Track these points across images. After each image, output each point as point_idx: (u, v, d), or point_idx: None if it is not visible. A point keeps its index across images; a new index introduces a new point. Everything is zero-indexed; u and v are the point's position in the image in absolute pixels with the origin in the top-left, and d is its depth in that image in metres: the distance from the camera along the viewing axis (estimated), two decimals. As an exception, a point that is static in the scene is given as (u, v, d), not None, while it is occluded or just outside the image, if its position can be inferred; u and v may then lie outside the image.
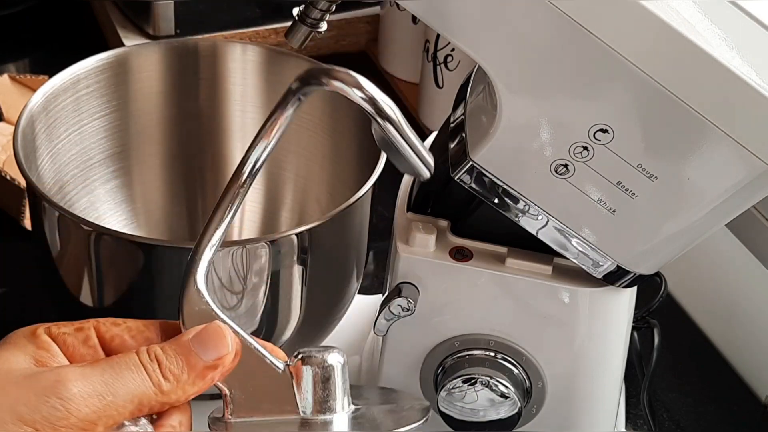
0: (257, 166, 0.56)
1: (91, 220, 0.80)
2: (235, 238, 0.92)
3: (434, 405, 0.75)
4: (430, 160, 0.57)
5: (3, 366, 0.53)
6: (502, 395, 0.73)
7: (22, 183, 0.97)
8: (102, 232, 0.72)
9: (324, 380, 0.56)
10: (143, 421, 0.54)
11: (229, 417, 0.56)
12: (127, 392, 0.52)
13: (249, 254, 0.71)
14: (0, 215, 1.02)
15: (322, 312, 0.80)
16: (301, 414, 0.56)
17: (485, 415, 0.74)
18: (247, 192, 0.56)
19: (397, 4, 0.65)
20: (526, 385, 0.74)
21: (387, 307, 0.72)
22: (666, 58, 0.61)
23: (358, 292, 0.83)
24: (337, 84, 0.54)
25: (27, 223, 0.98)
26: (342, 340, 0.87)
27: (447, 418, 0.75)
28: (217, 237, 0.56)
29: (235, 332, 0.56)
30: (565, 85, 0.63)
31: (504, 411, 0.74)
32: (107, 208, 0.88)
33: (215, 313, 0.56)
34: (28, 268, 0.94)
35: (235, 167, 0.91)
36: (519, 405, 0.74)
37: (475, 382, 0.73)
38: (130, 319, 0.57)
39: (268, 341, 0.77)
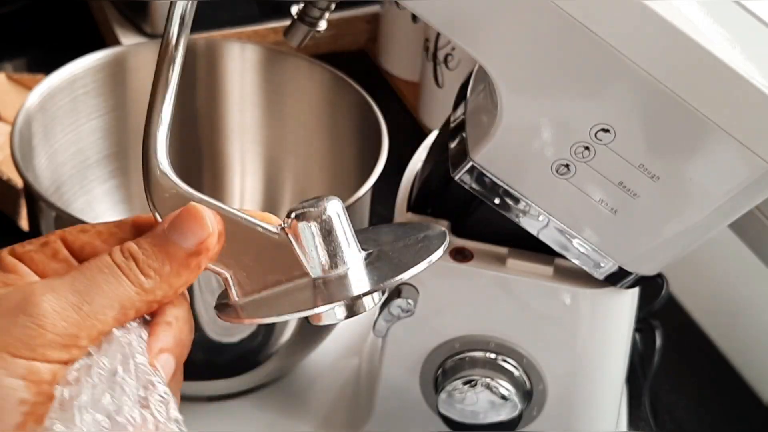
0: (185, 20, 0.52)
1: (88, 220, 0.80)
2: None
3: (434, 407, 0.75)
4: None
5: None
6: (503, 397, 0.73)
7: (19, 183, 0.97)
8: (99, 233, 0.71)
9: (326, 234, 0.51)
10: (133, 325, 0.48)
11: (237, 299, 0.51)
12: (105, 297, 0.47)
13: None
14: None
15: (322, 313, 0.79)
16: (312, 275, 0.51)
17: (486, 418, 0.74)
18: (182, 58, 0.52)
19: (397, 3, 0.64)
20: (527, 386, 0.74)
21: (386, 308, 0.72)
22: (668, 57, 0.60)
23: (358, 293, 0.83)
24: None
25: (24, 224, 0.98)
26: (341, 341, 0.87)
27: (447, 420, 0.74)
28: (166, 113, 0.51)
29: (216, 208, 0.50)
30: (567, 85, 0.63)
31: (504, 413, 0.74)
32: (104, 208, 0.88)
33: (189, 193, 0.50)
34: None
35: (233, 167, 0.92)
36: (519, 407, 0.73)
37: (476, 384, 0.73)
38: (99, 222, 0.52)
39: (267, 341, 0.77)
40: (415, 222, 0.62)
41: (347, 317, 0.50)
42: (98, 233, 0.50)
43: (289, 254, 0.51)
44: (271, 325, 0.76)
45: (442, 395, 0.74)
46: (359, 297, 0.50)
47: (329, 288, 0.50)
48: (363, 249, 0.52)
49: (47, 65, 0.91)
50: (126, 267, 0.48)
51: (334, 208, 0.51)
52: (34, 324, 0.45)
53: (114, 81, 0.85)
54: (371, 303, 0.51)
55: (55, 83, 0.81)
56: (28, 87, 1.09)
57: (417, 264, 0.50)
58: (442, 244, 0.53)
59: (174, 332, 0.49)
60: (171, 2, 0.51)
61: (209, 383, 0.80)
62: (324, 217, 0.51)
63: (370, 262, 0.52)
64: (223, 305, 0.51)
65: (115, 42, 1.19)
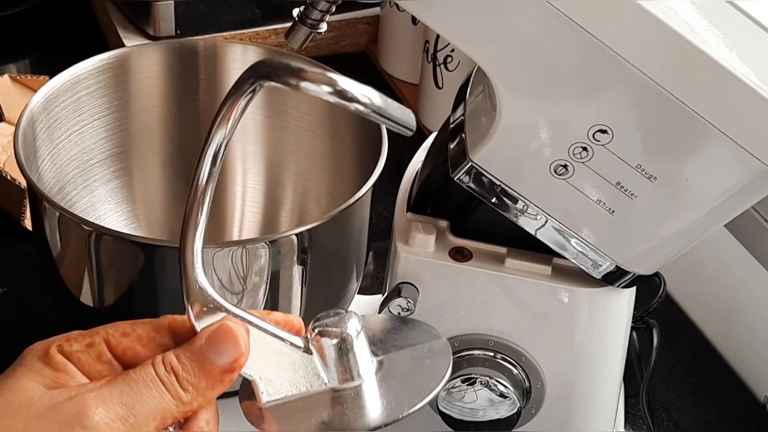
0: (219, 157, 0.55)
1: (91, 220, 0.81)
2: (235, 238, 0.92)
3: (434, 404, 0.75)
4: (410, 121, 0.55)
5: (23, 397, 0.52)
6: (502, 395, 0.73)
7: (23, 183, 0.97)
8: (102, 233, 0.72)
9: (346, 351, 0.57)
10: (169, 431, 0.54)
11: (264, 402, 0.56)
12: (149, 410, 0.52)
13: (249, 254, 0.71)
14: (0, 215, 1.02)
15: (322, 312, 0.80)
16: (330, 384, 0.57)
17: (485, 415, 0.74)
18: (215, 184, 0.56)
19: (397, 5, 0.65)
20: (526, 385, 0.74)
21: (387, 308, 0.72)
22: (665, 59, 0.61)
23: (358, 292, 0.83)
24: (304, 85, 0.52)
25: (27, 224, 0.98)
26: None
27: (446, 418, 0.75)
28: (200, 231, 0.56)
29: (248, 322, 0.56)
30: (565, 86, 0.63)
31: (503, 411, 0.74)
32: (108, 209, 0.88)
33: (224, 307, 0.56)
34: (29, 268, 0.94)
35: (234, 167, 0.92)
36: (518, 405, 0.74)
37: (475, 382, 0.73)
38: (139, 323, 0.56)
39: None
40: (416, 323, 0.67)
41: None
42: (139, 338, 0.55)
43: (311, 365, 0.57)
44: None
45: (442, 393, 0.74)
46: (381, 426, 0.57)
47: (347, 407, 0.57)
48: (373, 353, 0.59)
49: (51, 67, 0.92)
50: (168, 382, 0.53)
51: (354, 325, 0.58)
52: None
53: (117, 82, 0.85)
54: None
55: (58, 84, 0.82)
56: (32, 88, 1.09)
57: (427, 395, 0.58)
58: (448, 364, 0.60)
59: None
60: (207, 138, 0.55)
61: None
62: (345, 335, 0.57)
63: (383, 377, 0.58)
64: (251, 406, 0.57)
65: (118, 44, 1.19)
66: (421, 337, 0.64)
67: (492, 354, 0.74)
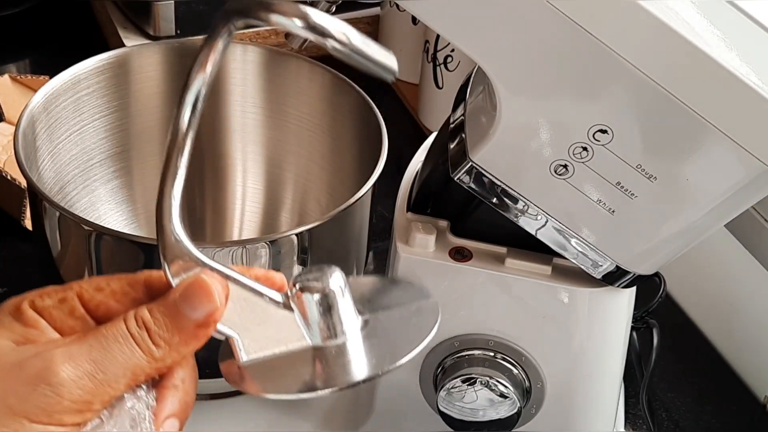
0: (199, 103, 0.54)
1: (91, 220, 0.81)
2: (235, 238, 0.92)
3: (434, 405, 0.75)
4: (391, 64, 0.52)
5: None
6: (502, 395, 0.73)
7: (23, 183, 0.97)
8: (102, 232, 0.72)
9: (328, 306, 0.54)
10: (143, 390, 0.52)
11: (242, 360, 0.54)
12: (119, 366, 0.50)
13: (249, 254, 0.71)
14: (0, 215, 1.02)
15: (322, 312, 0.80)
16: (312, 342, 0.54)
17: (485, 415, 0.74)
18: (194, 133, 0.54)
19: (397, 5, 0.65)
20: (526, 385, 0.74)
21: (386, 307, 0.72)
22: (665, 59, 0.61)
23: (358, 292, 0.83)
24: (275, 18, 0.50)
25: (28, 223, 0.98)
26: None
27: (447, 418, 0.75)
28: (179, 181, 0.53)
29: (225, 275, 0.53)
30: (565, 86, 0.63)
31: (503, 411, 0.74)
32: (108, 208, 0.88)
33: (200, 260, 0.53)
34: (29, 268, 0.94)
35: (234, 167, 0.92)
36: (518, 405, 0.74)
37: (475, 382, 0.73)
38: (114, 278, 0.55)
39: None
40: (407, 283, 0.64)
41: (348, 388, 0.53)
42: (113, 293, 0.54)
43: (292, 322, 0.54)
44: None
45: (442, 393, 0.74)
46: (361, 381, 0.53)
47: (329, 364, 0.54)
48: (358, 312, 0.55)
49: (51, 67, 0.92)
50: (139, 337, 0.51)
51: (337, 281, 0.54)
52: (53, 393, 0.49)
53: (117, 82, 0.85)
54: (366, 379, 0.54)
55: (58, 84, 0.82)
56: (32, 88, 1.09)
57: (411, 350, 0.54)
58: (435, 322, 0.56)
59: (180, 395, 0.53)
60: (185, 85, 0.53)
61: (211, 381, 0.80)
62: (327, 290, 0.54)
63: (367, 335, 0.55)
64: (229, 364, 0.54)
65: (118, 44, 1.19)
66: (410, 296, 0.60)
67: (492, 354, 0.74)
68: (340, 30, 0.50)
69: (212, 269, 0.53)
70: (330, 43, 0.50)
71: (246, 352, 0.54)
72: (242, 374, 0.54)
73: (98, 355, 0.50)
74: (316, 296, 0.54)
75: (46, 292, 0.54)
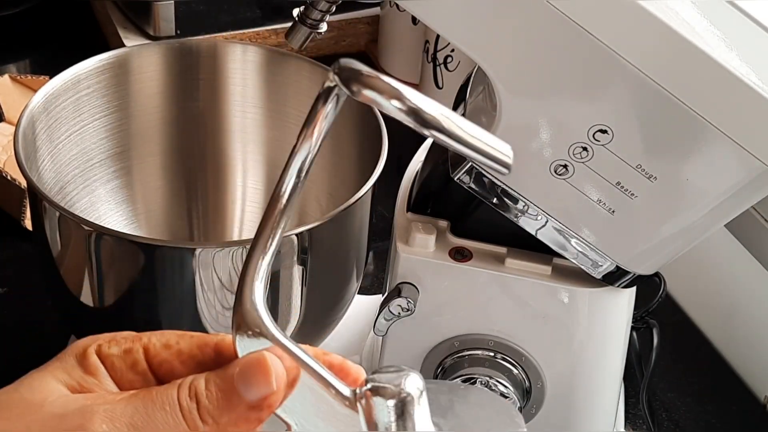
0: (303, 172, 0.49)
1: (91, 220, 0.81)
2: (235, 238, 0.92)
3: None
4: (503, 155, 0.48)
5: (38, 397, 0.48)
6: (502, 395, 0.73)
7: (23, 183, 0.97)
8: (102, 232, 0.72)
9: (399, 415, 0.47)
10: None
11: None
12: None
13: (249, 254, 0.71)
14: (1, 215, 1.02)
15: (322, 312, 0.80)
16: None
17: (485, 415, 0.74)
18: (293, 207, 0.49)
19: (397, 5, 0.65)
20: (526, 385, 0.74)
21: (387, 307, 0.72)
22: (665, 59, 0.61)
23: (358, 292, 0.83)
24: (368, 94, 0.46)
25: (28, 224, 0.98)
26: (342, 340, 0.87)
27: (446, 418, 0.75)
28: (273, 248, 0.49)
29: (295, 356, 0.48)
30: (565, 86, 0.63)
31: (503, 411, 0.74)
32: (108, 209, 0.88)
33: (271, 335, 0.48)
34: (29, 268, 0.94)
35: (234, 167, 0.92)
36: (518, 405, 0.74)
37: (475, 382, 0.73)
38: (187, 336, 0.51)
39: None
40: (494, 398, 0.59)
41: None
42: (179, 353, 0.50)
43: (357, 422, 0.48)
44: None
45: (442, 393, 0.74)
46: None
47: None
48: (434, 423, 0.49)
49: (51, 67, 0.92)
50: (187, 409, 0.47)
51: (414, 385, 0.47)
52: None
53: (117, 82, 0.85)
54: None
55: (58, 85, 0.82)
56: (32, 88, 1.10)
57: None
58: None
59: None
60: (291, 154, 0.49)
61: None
62: (402, 395, 0.47)
63: None
64: None
65: (119, 44, 1.19)
66: (497, 412, 0.54)
67: (492, 354, 0.74)
68: (444, 115, 0.47)
69: (283, 347, 0.48)
70: (430, 133, 0.47)
71: None
72: None
73: (140, 421, 0.47)
74: (390, 402, 0.47)
75: (116, 340, 0.51)
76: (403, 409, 0.47)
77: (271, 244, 0.48)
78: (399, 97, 0.46)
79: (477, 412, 0.55)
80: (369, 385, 0.47)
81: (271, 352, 0.48)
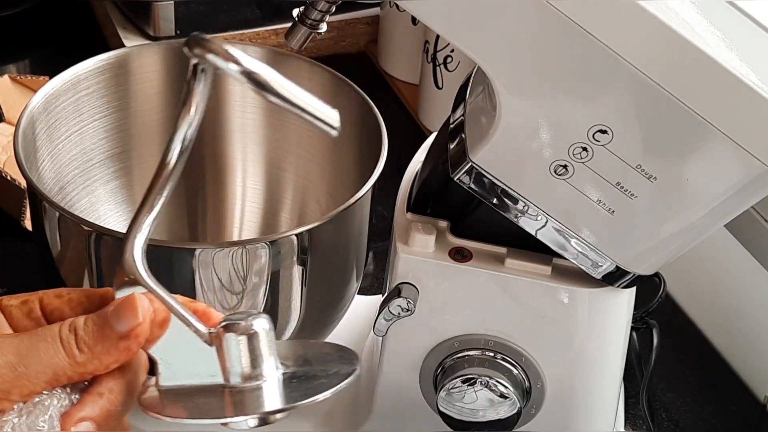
0: (186, 143, 0.56)
1: (91, 220, 0.81)
2: (235, 238, 0.92)
3: (434, 405, 0.75)
4: (332, 120, 0.56)
5: None
6: (502, 395, 0.73)
7: (23, 183, 0.97)
8: (102, 233, 0.72)
9: (248, 347, 0.55)
10: (66, 390, 0.55)
11: (160, 384, 0.56)
12: (40, 363, 0.53)
13: (249, 254, 0.71)
14: (0, 215, 1.02)
15: (322, 312, 0.80)
16: (230, 381, 0.55)
17: (484, 415, 0.74)
18: (178, 174, 0.56)
19: (397, 5, 0.65)
20: (526, 385, 0.74)
21: (386, 308, 0.72)
22: (665, 59, 0.61)
23: (358, 293, 0.83)
24: (210, 58, 0.53)
25: (27, 224, 0.98)
26: (342, 340, 0.87)
27: (446, 418, 0.75)
28: (153, 215, 0.56)
29: (163, 301, 0.55)
30: (565, 86, 0.63)
31: (503, 411, 0.74)
32: (108, 209, 0.88)
33: (145, 282, 0.55)
34: (29, 269, 0.94)
35: (234, 168, 0.92)
36: (518, 405, 0.74)
37: (475, 383, 0.73)
38: (77, 289, 0.58)
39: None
40: (338, 347, 0.64)
41: (258, 426, 0.54)
42: (69, 301, 0.57)
43: (212, 357, 0.55)
44: (273, 322, 0.76)
45: (442, 393, 0.74)
46: (270, 413, 0.54)
47: (244, 399, 0.55)
48: (283, 365, 0.57)
49: (51, 67, 0.92)
50: (66, 340, 0.54)
51: (261, 324, 0.55)
52: None
53: (117, 82, 0.85)
54: (282, 415, 0.55)
55: (58, 85, 0.82)
56: (32, 89, 1.10)
57: (321, 393, 0.55)
58: (349, 377, 0.57)
59: (103, 403, 0.55)
60: (176, 126, 0.56)
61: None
62: (250, 332, 0.55)
63: (286, 381, 0.56)
64: (147, 387, 0.57)
65: (118, 44, 1.19)
66: (337, 359, 0.61)
67: (492, 354, 0.74)
68: (275, 80, 0.53)
69: (154, 293, 0.55)
70: (266, 96, 0.53)
71: (164, 377, 0.56)
72: (156, 397, 0.56)
73: (25, 350, 0.53)
74: (240, 337, 0.55)
75: (17, 295, 0.58)
76: (250, 342, 0.55)
77: (155, 205, 0.55)
78: (235, 60, 0.53)
79: (321, 355, 0.62)
80: (223, 324, 0.55)
81: (144, 296, 0.55)
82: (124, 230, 0.87)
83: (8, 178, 0.99)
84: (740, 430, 0.92)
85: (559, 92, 0.64)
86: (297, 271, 0.74)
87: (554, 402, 0.75)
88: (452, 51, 1.11)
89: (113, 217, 0.89)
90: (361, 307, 0.86)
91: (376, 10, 1.27)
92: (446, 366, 0.75)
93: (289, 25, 0.72)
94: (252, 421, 0.54)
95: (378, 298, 0.77)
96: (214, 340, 0.55)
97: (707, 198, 0.65)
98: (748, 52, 0.63)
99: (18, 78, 1.11)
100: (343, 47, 1.29)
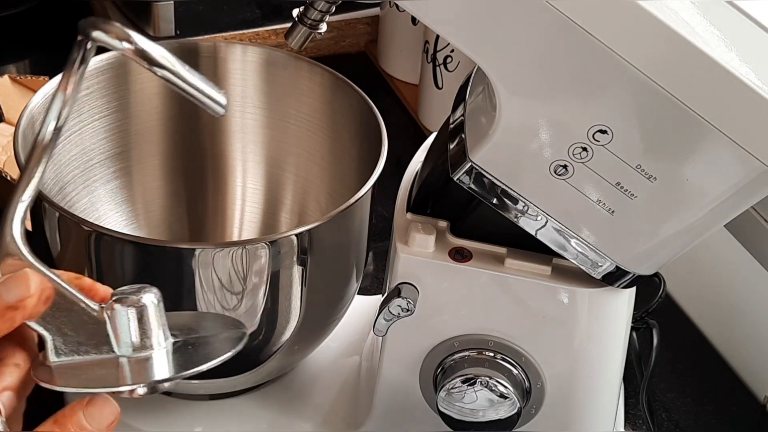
0: (60, 121, 0.57)
1: (91, 220, 0.81)
2: (235, 238, 0.92)
3: (434, 405, 0.75)
4: (219, 98, 0.57)
5: None
6: (502, 395, 0.73)
7: (23, 183, 0.97)
8: (102, 233, 0.72)
9: (138, 319, 0.57)
10: None
11: (50, 360, 0.57)
12: None
13: (249, 255, 0.71)
14: (0, 215, 1.02)
15: (322, 312, 0.80)
16: (120, 353, 0.57)
17: (484, 415, 0.74)
18: (52, 150, 0.57)
19: (397, 5, 0.65)
20: (526, 385, 0.74)
21: (386, 308, 0.72)
22: (665, 59, 0.61)
23: (358, 293, 0.83)
24: (102, 37, 0.54)
25: (28, 224, 0.98)
26: (342, 340, 0.87)
27: (446, 418, 0.75)
28: (28, 193, 0.57)
29: (49, 278, 0.57)
30: (565, 87, 0.63)
31: (503, 411, 0.74)
32: (107, 209, 0.88)
33: (30, 262, 0.57)
34: (29, 269, 0.94)
35: (234, 168, 0.92)
36: (518, 405, 0.74)
37: (475, 383, 0.73)
38: None
39: (268, 340, 0.77)
40: (223, 317, 0.68)
41: (148, 394, 0.56)
42: None
43: (104, 331, 0.57)
44: (272, 324, 0.76)
45: (442, 393, 0.74)
46: (159, 382, 0.56)
47: (133, 368, 0.57)
48: (173, 335, 0.59)
49: (51, 67, 0.92)
50: None
51: (150, 298, 0.57)
52: None
53: (117, 82, 0.85)
54: (171, 383, 0.57)
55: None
56: (32, 89, 1.10)
57: (208, 362, 0.57)
58: (237, 346, 0.59)
59: (21, 373, 0.57)
60: (51, 102, 0.58)
61: (211, 382, 0.80)
62: (139, 304, 0.57)
63: (175, 350, 0.58)
64: (39, 363, 0.58)
65: (118, 44, 1.19)
66: (224, 326, 0.64)
67: (492, 354, 0.74)
68: (164, 56, 0.55)
69: (39, 270, 0.57)
70: (157, 71, 0.55)
71: (56, 353, 0.57)
72: (48, 372, 0.57)
73: None
74: (130, 309, 0.57)
75: None
76: (140, 315, 0.57)
77: (31, 182, 0.57)
78: (128, 39, 0.54)
79: (209, 324, 0.64)
80: (113, 298, 0.57)
81: (35, 273, 0.56)
82: (124, 230, 0.88)
83: (8, 178, 0.99)
84: (740, 430, 0.92)
85: (559, 92, 0.64)
86: (297, 271, 0.74)
87: (554, 402, 0.75)
88: (452, 51, 1.11)
89: (113, 217, 0.89)
90: (361, 307, 0.86)
91: (376, 10, 1.27)
92: (446, 366, 0.75)
93: (289, 25, 0.72)
94: (142, 389, 0.56)
95: (378, 298, 0.77)
96: (105, 313, 0.57)
97: (707, 198, 0.65)
98: (748, 52, 0.63)
99: (18, 78, 1.11)
100: (343, 47, 1.29)
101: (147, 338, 0.57)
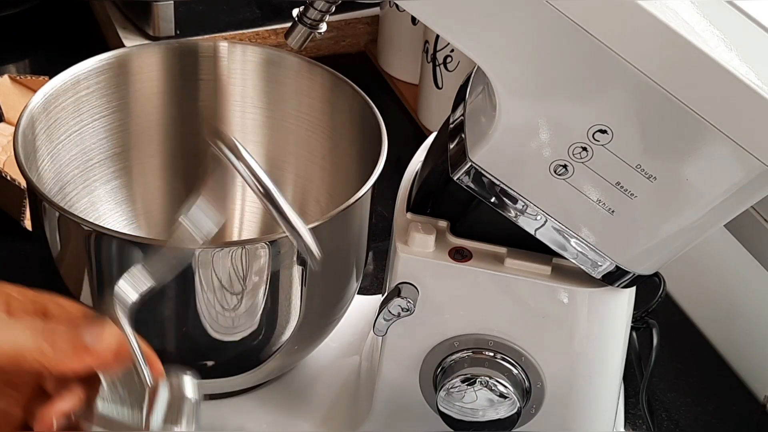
0: None
1: (91, 220, 0.81)
2: (235, 238, 0.92)
3: (434, 405, 0.75)
4: (316, 251, 0.61)
5: None
6: (501, 395, 0.73)
7: (23, 183, 0.97)
8: (102, 233, 0.72)
9: (174, 406, 0.60)
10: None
11: (97, 406, 0.61)
12: (9, 338, 0.57)
13: (249, 254, 0.71)
14: (0, 215, 1.02)
15: (322, 312, 0.80)
16: (149, 427, 0.60)
17: (484, 415, 0.74)
18: None
19: (397, 5, 0.65)
20: (525, 385, 0.74)
21: (386, 308, 0.72)
22: (665, 59, 0.61)
23: (358, 292, 0.83)
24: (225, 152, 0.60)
25: (27, 224, 0.98)
26: (342, 340, 0.87)
27: (446, 418, 0.75)
28: None
29: (128, 338, 0.60)
30: (564, 86, 0.63)
31: (503, 411, 0.74)
32: (107, 209, 0.88)
33: (118, 323, 0.60)
34: (29, 269, 0.94)
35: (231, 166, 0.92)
36: (518, 405, 0.74)
37: (475, 382, 0.73)
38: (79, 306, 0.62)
39: (269, 340, 0.77)
40: None
41: None
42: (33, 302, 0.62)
43: (143, 400, 0.60)
44: (272, 324, 0.76)
45: (442, 393, 0.74)
46: None
47: None
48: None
49: (51, 67, 0.92)
50: (39, 328, 0.58)
51: (192, 392, 0.61)
52: None
53: (117, 82, 0.85)
54: None
55: (58, 85, 0.82)
56: (32, 89, 1.10)
57: None
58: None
59: (74, 400, 0.60)
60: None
61: (211, 381, 0.80)
62: (180, 394, 0.60)
63: None
64: (87, 406, 0.61)
65: (118, 44, 1.19)
66: None
67: (492, 354, 0.74)
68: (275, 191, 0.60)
69: (123, 332, 0.60)
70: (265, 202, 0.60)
71: (100, 404, 0.61)
72: (90, 414, 0.61)
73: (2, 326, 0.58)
74: (171, 395, 0.60)
75: (25, 290, 0.61)
76: (178, 403, 0.60)
77: None
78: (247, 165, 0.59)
79: None
80: (162, 380, 0.61)
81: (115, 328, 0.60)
82: (124, 230, 0.88)
83: (8, 178, 0.99)
84: (740, 430, 0.92)
85: (559, 92, 0.64)
86: (297, 271, 0.74)
87: (554, 402, 0.75)
88: (452, 51, 1.11)
89: (113, 217, 0.89)
90: (361, 307, 0.86)
91: (376, 10, 1.27)
92: (446, 366, 0.75)
93: (289, 25, 0.72)
94: None
95: (378, 298, 0.77)
96: (154, 389, 0.60)
97: (707, 198, 0.65)
98: (748, 52, 0.63)
99: (18, 78, 1.11)
100: (343, 47, 1.29)
101: (176, 424, 0.60)
